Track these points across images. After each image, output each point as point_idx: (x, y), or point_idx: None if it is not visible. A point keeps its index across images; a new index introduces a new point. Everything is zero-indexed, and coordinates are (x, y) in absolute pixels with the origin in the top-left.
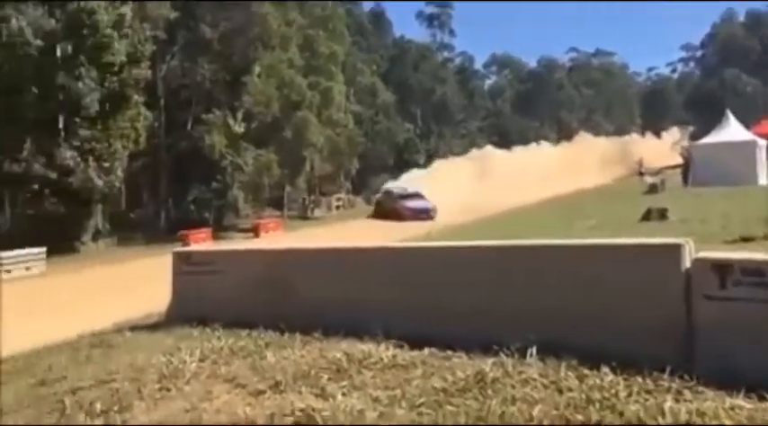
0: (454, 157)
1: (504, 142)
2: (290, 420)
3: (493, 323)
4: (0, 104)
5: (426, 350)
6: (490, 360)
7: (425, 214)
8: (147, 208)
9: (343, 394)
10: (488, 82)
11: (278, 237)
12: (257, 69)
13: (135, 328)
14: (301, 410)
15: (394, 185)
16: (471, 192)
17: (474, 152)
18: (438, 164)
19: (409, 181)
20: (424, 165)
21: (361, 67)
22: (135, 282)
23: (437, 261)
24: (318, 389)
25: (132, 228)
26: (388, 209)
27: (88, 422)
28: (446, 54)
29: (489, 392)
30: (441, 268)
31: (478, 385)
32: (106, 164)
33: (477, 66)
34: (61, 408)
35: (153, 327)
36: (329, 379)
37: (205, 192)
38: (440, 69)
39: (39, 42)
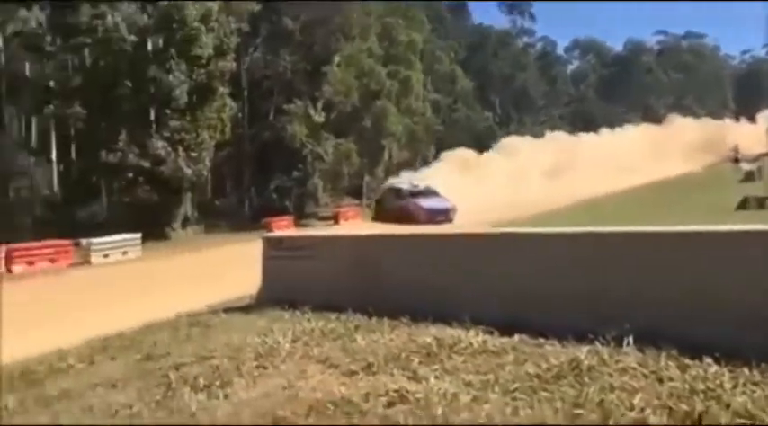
0: (528, 137)
1: (589, 129)
2: (384, 400)
3: (585, 311)
4: (98, 98)
5: (516, 337)
6: (585, 348)
7: (443, 215)
8: (231, 197)
9: (436, 378)
10: (571, 67)
11: (356, 225)
12: (337, 59)
13: (228, 310)
14: (395, 391)
15: (399, 180)
16: (541, 180)
17: (555, 133)
18: (509, 142)
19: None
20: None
21: (440, 55)
22: (223, 267)
23: (527, 248)
24: (410, 372)
25: (217, 216)
26: (394, 210)
27: (192, 396)
28: (526, 39)
29: (586, 379)
30: (530, 254)
31: (574, 372)
32: (194, 154)
33: (559, 51)
34: (167, 382)
35: (245, 309)
36: (420, 363)
37: (286, 181)
38: (520, 55)
39: (132, 37)
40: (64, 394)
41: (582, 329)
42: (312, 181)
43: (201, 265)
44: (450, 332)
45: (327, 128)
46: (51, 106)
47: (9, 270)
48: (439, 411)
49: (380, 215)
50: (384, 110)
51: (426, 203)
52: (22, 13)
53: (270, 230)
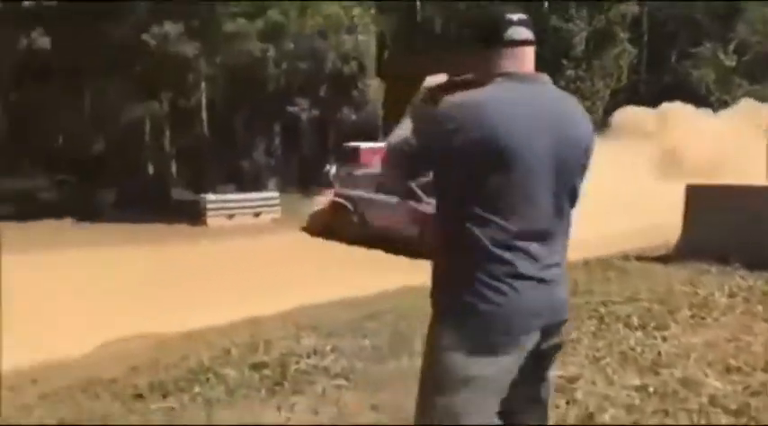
0: None
1: None
2: None
3: None
4: None
5: None
6: None
7: None
8: None
9: None
10: None
11: None
12: None
13: (640, 258)
14: None
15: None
16: None
17: None
18: None
19: None
20: None
21: None
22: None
23: None
24: None
25: None
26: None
27: (628, 332)
28: None
29: None
30: None
31: None
32: (587, 103)
33: None
34: (598, 316)
35: (661, 259)
36: None
37: None
38: None
39: None
40: None
41: None
42: None
43: None
44: None
45: (739, 72)
46: None
47: None
48: None
49: (323, 228)
50: None
51: None
52: None
53: None
